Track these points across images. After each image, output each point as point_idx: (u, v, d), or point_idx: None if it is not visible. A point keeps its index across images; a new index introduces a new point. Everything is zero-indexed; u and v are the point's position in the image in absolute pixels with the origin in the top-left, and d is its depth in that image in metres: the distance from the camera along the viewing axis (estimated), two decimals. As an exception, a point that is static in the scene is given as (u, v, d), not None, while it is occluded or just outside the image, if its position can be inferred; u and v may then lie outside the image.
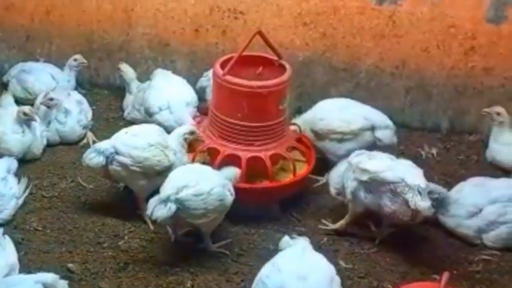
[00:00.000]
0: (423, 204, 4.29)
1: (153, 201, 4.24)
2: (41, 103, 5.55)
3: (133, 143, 4.69)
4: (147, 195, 4.65)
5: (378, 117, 5.22)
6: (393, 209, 4.44)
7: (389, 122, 5.23)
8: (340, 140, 5.15)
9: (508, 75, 5.70)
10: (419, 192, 4.31)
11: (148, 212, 4.23)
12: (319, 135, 5.23)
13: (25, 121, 5.30)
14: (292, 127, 5.24)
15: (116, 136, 4.79)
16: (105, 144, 4.71)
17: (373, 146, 5.11)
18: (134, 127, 4.96)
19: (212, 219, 4.38)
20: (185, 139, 4.84)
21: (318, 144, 5.23)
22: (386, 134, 5.18)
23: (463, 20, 5.61)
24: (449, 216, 4.73)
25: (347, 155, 4.84)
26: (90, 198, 5.05)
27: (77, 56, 6.18)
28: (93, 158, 4.68)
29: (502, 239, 4.66)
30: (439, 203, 4.66)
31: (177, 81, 5.86)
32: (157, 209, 4.20)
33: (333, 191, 4.83)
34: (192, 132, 4.87)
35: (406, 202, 4.33)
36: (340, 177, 4.74)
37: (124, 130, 4.87)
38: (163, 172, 4.65)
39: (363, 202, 4.58)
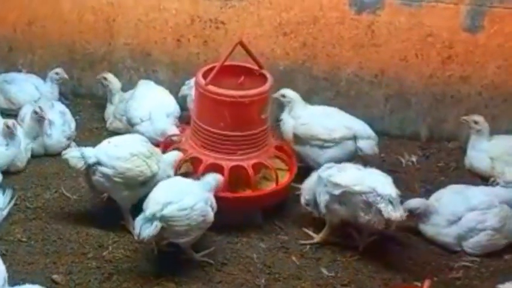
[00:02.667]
0: (396, 214, 4.36)
1: (139, 220, 4.25)
2: (33, 116, 5.53)
3: (115, 154, 4.69)
4: (131, 205, 4.71)
5: (361, 127, 5.28)
6: (367, 219, 4.50)
7: (371, 133, 5.28)
8: (321, 147, 5.20)
9: (485, 83, 5.78)
10: (391, 202, 4.38)
11: (136, 231, 4.25)
12: (300, 139, 5.29)
13: (8, 134, 5.32)
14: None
15: (99, 146, 4.79)
16: (89, 152, 4.69)
17: (355, 155, 5.19)
18: (117, 137, 4.98)
19: (193, 238, 4.41)
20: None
21: (299, 149, 5.30)
22: (368, 144, 5.24)
23: (441, 29, 5.68)
24: (429, 225, 4.80)
25: (328, 162, 4.90)
26: (74, 209, 5.06)
27: (58, 70, 6.19)
28: (74, 158, 4.67)
29: (481, 245, 4.72)
30: (421, 213, 4.77)
31: (159, 92, 5.89)
32: (145, 228, 4.21)
33: (302, 201, 4.86)
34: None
35: (380, 211, 4.38)
36: (312, 190, 4.79)
37: (107, 140, 4.89)
38: (146, 182, 4.69)
39: (338, 214, 4.63)
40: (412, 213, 4.75)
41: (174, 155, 4.95)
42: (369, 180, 4.49)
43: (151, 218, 4.22)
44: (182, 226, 4.30)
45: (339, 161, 4.95)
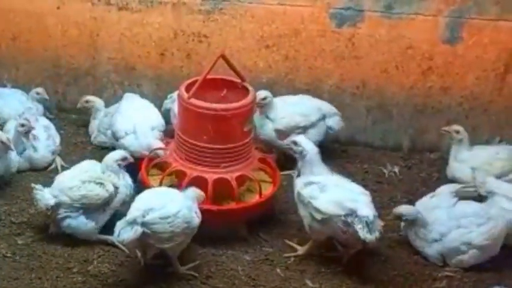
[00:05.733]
0: (371, 236, 4.39)
1: (119, 224, 4.29)
2: (20, 129, 5.53)
3: (67, 185, 4.78)
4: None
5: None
6: (345, 238, 4.56)
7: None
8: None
9: (464, 94, 5.84)
10: (367, 224, 4.41)
11: (115, 234, 4.28)
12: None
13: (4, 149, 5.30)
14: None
15: (52, 186, 4.86)
16: (47, 194, 4.78)
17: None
18: (67, 171, 5.08)
19: (179, 243, 4.44)
20: (119, 165, 4.94)
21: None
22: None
23: (420, 42, 5.74)
24: (417, 238, 4.85)
25: None
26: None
27: (39, 90, 6.23)
28: (41, 200, 4.77)
29: (464, 262, 4.75)
30: (410, 222, 4.83)
31: (144, 106, 5.91)
32: (124, 232, 4.25)
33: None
34: (124, 159, 4.97)
35: (356, 232, 4.42)
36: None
37: (58, 175, 5.00)
38: (108, 203, 4.81)
39: (322, 232, 4.67)
40: (400, 219, 4.85)
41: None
42: (349, 201, 4.52)
43: (132, 223, 4.26)
44: (166, 233, 4.33)
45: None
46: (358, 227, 4.41)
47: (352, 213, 4.46)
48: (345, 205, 4.49)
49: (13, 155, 5.45)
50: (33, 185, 4.83)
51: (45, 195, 4.76)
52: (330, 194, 4.60)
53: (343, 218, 4.48)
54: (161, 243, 4.39)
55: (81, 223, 4.78)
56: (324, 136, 5.74)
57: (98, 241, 4.84)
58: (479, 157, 5.49)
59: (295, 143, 4.86)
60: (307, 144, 4.85)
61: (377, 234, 4.42)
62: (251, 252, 4.86)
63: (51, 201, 4.74)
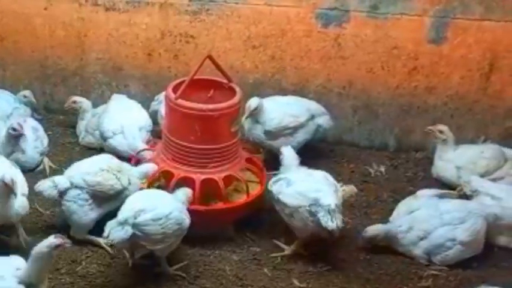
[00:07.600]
0: (332, 224, 4.45)
1: (110, 224, 4.30)
2: (11, 132, 5.51)
3: (85, 169, 4.79)
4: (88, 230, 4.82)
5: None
6: (312, 227, 4.61)
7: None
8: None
9: (450, 93, 5.87)
10: (329, 212, 4.47)
11: (105, 234, 4.29)
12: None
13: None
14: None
15: (69, 168, 4.89)
16: (60, 179, 4.77)
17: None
18: (86, 159, 5.05)
19: (169, 245, 4.46)
20: None
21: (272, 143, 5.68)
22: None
23: (406, 41, 5.76)
24: (400, 245, 4.87)
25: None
26: (48, 224, 5.07)
27: (27, 93, 6.23)
28: (47, 189, 4.76)
29: (449, 259, 4.79)
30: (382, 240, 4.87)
31: (131, 106, 5.94)
32: (114, 231, 4.26)
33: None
34: None
35: (318, 220, 4.49)
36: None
37: (75, 163, 4.98)
38: (116, 196, 4.77)
39: (304, 228, 4.70)
40: (373, 241, 4.88)
41: (147, 167, 5.02)
42: (313, 191, 4.60)
43: (123, 223, 4.27)
44: (157, 234, 4.34)
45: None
46: (320, 214, 4.48)
47: (316, 202, 4.53)
48: (309, 196, 4.58)
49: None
50: (36, 186, 4.81)
51: (58, 179, 4.76)
52: (295, 186, 4.68)
53: (307, 208, 4.55)
54: (152, 244, 4.40)
55: (82, 211, 4.76)
56: (312, 135, 5.76)
57: (85, 241, 4.84)
58: (464, 156, 5.54)
59: (280, 152, 5.09)
60: (286, 151, 5.08)
61: (338, 222, 4.48)
62: (238, 252, 4.89)
63: (67, 184, 4.73)
